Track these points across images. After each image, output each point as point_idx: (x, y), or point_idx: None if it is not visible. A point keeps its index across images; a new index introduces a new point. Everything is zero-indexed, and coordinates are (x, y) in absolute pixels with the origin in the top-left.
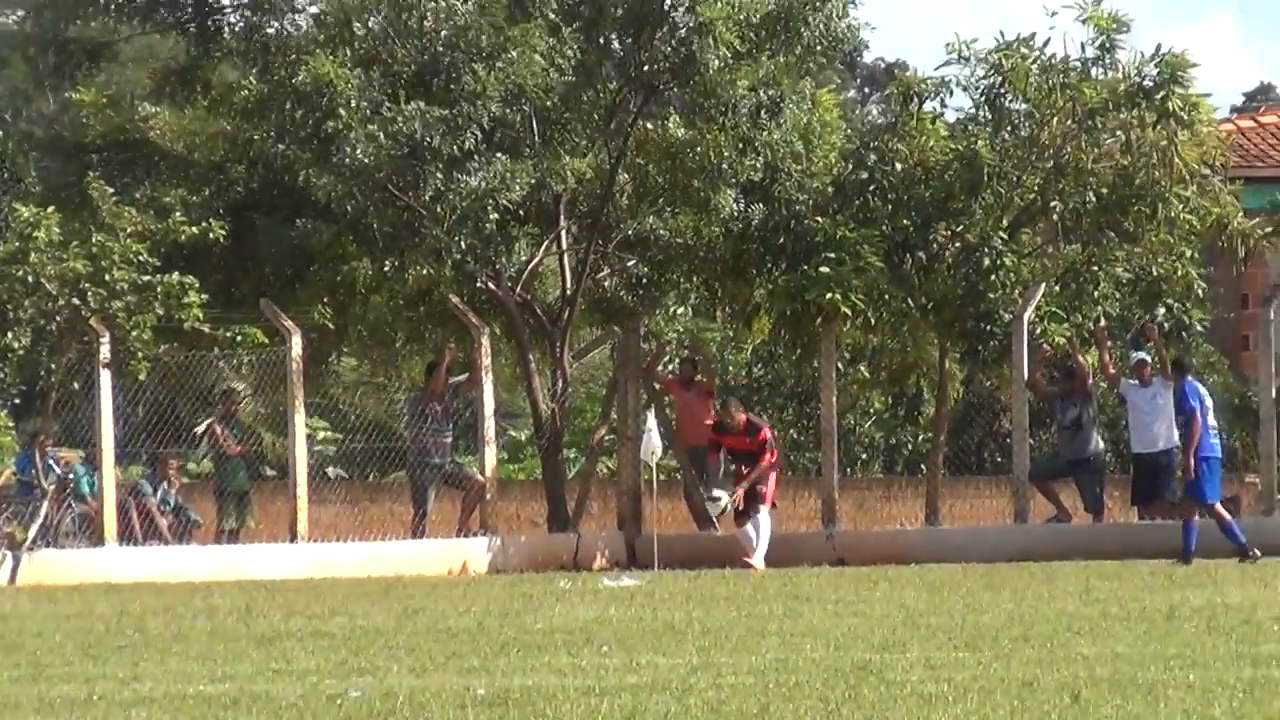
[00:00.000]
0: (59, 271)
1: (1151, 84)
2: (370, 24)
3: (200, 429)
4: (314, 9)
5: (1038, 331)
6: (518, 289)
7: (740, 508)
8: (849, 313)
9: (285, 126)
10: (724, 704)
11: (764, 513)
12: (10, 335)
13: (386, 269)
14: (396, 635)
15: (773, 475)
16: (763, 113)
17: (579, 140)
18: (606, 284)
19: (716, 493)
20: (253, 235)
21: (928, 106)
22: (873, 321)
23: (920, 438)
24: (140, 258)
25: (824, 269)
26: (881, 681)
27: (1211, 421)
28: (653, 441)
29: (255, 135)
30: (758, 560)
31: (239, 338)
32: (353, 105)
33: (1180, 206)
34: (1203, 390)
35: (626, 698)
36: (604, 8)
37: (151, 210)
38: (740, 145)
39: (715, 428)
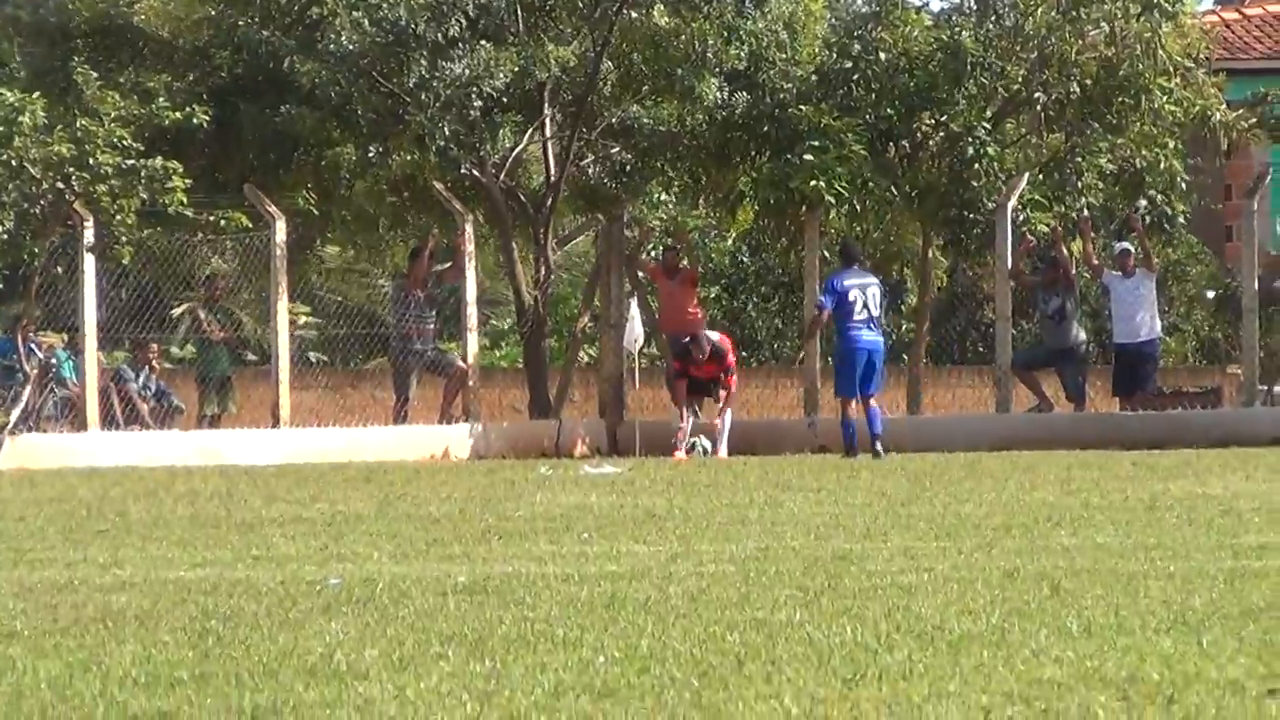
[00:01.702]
0: (43, 155)
1: None
2: None
3: (177, 312)
4: None
5: (1021, 221)
6: (501, 176)
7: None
8: (833, 201)
9: (270, 12)
10: (704, 592)
11: (727, 414)
12: None
13: (371, 155)
14: (377, 522)
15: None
16: (747, 1)
17: (564, 28)
18: (590, 171)
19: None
20: (237, 121)
21: None
22: (857, 210)
23: (903, 327)
24: (124, 142)
25: (808, 157)
26: (862, 571)
27: None
28: (635, 329)
29: (240, 21)
30: (722, 450)
31: (223, 222)
32: None
33: (1164, 98)
34: None
35: (607, 585)
36: None
37: (135, 95)
38: (725, 33)
39: (679, 354)
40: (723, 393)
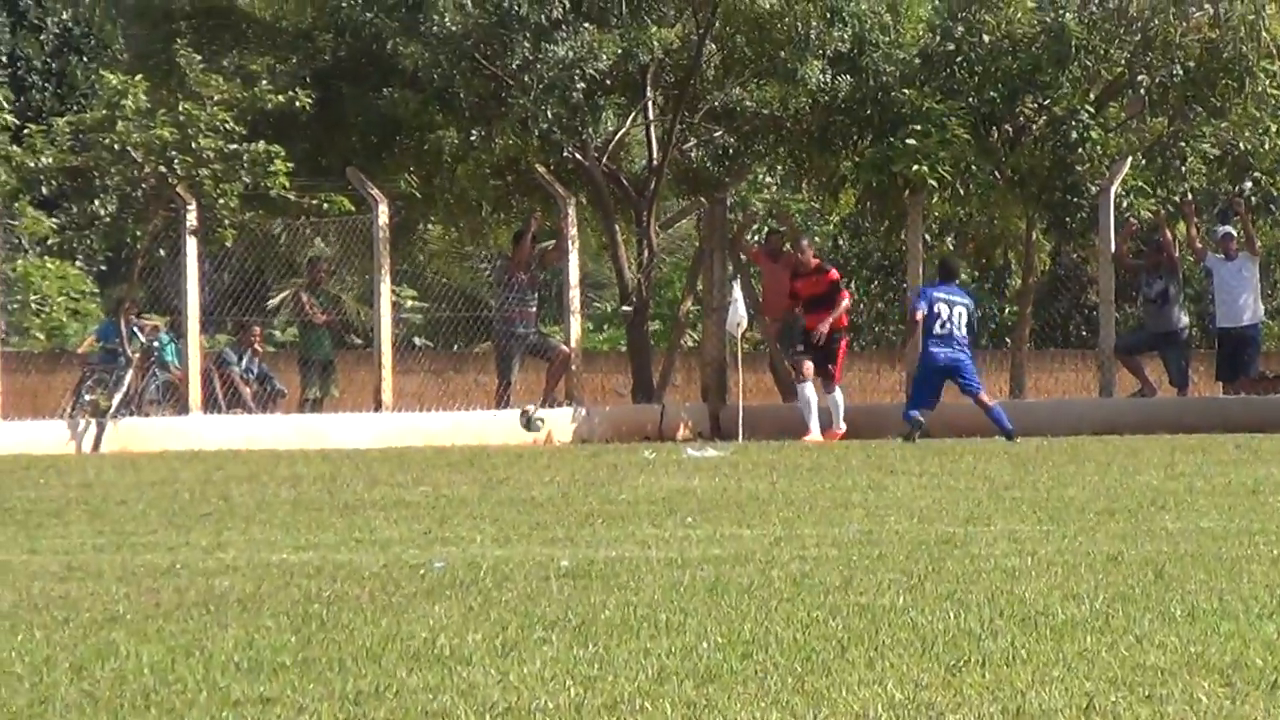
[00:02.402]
0: (146, 139)
1: None
2: None
3: (274, 301)
4: None
5: (1124, 206)
6: (604, 159)
7: (806, 366)
8: (935, 185)
9: None
10: (807, 576)
11: (837, 391)
12: (97, 202)
13: (473, 138)
14: (480, 505)
15: (842, 347)
16: None
17: (666, 10)
18: (693, 154)
19: (537, 412)
20: (340, 104)
21: None
22: (960, 194)
23: (1006, 310)
24: (227, 126)
25: (910, 141)
26: (965, 555)
27: None
28: (738, 312)
29: (343, 3)
30: (831, 428)
31: (325, 206)
32: None
33: (1267, 81)
34: None
35: (710, 569)
36: None
37: (238, 78)
38: (828, 16)
39: (792, 276)
40: (831, 367)
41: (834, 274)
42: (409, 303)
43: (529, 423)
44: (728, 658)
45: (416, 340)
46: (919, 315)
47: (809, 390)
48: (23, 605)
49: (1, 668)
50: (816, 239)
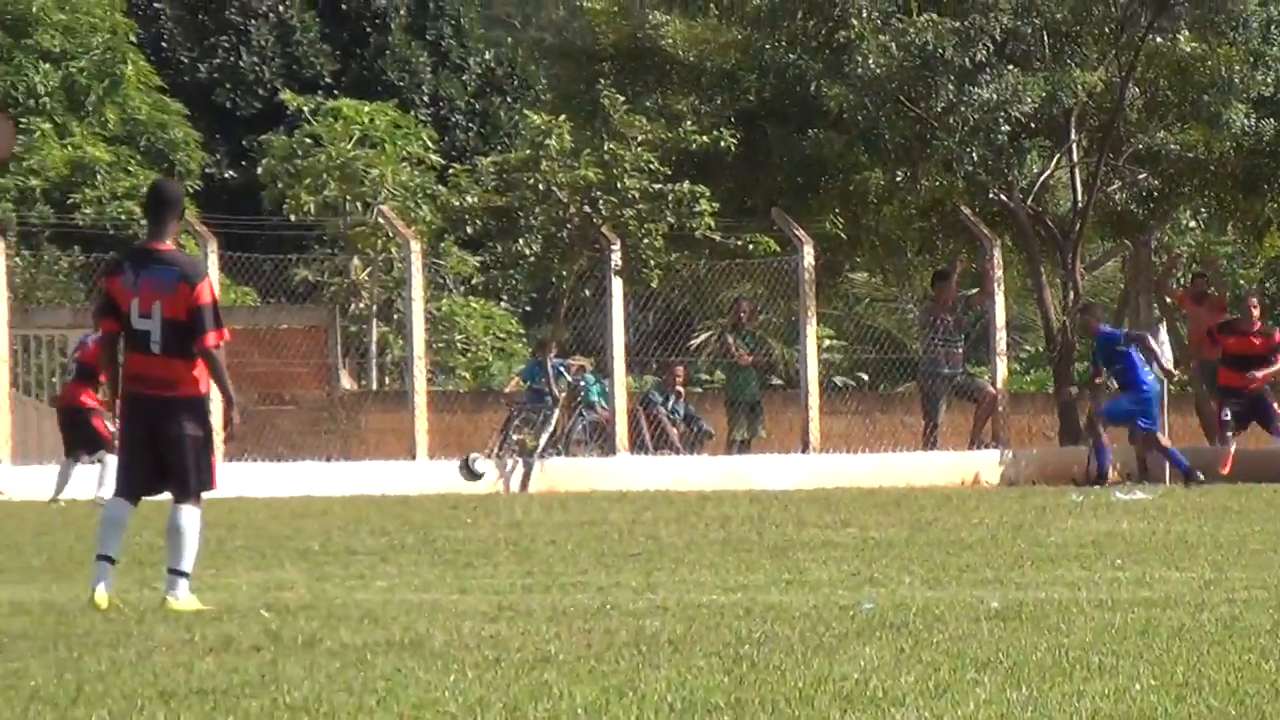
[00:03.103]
0: (570, 179)
1: None
2: None
3: (696, 341)
4: None
5: None
6: (1029, 201)
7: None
8: None
9: (797, 36)
10: (1237, 619)
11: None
12: (521, 242)
13: (898, 180)
14: (908, 547)
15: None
16: (1273, 27)
17: (1089, 53)
18: (1117, 197)
19: (478, 463)
20: (764, 144)
21: None
22: None
23: None
24: (651, 166)
25: None
26: None
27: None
28: (1165, 355)
29: (767, 44)
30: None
31: (750, 246)
32: (865, 15)
33: None
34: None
35: (1140, 612)
36: None
37: (662, 118)
38: (1251, 60)
39: (1222, 327)
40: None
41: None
42: (826, 342)
43: (470, 473)
44: (1161, 700)
45: (837, 380)
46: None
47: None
48: (454, 644)
49: (435, 707)
50: (1241, 282)
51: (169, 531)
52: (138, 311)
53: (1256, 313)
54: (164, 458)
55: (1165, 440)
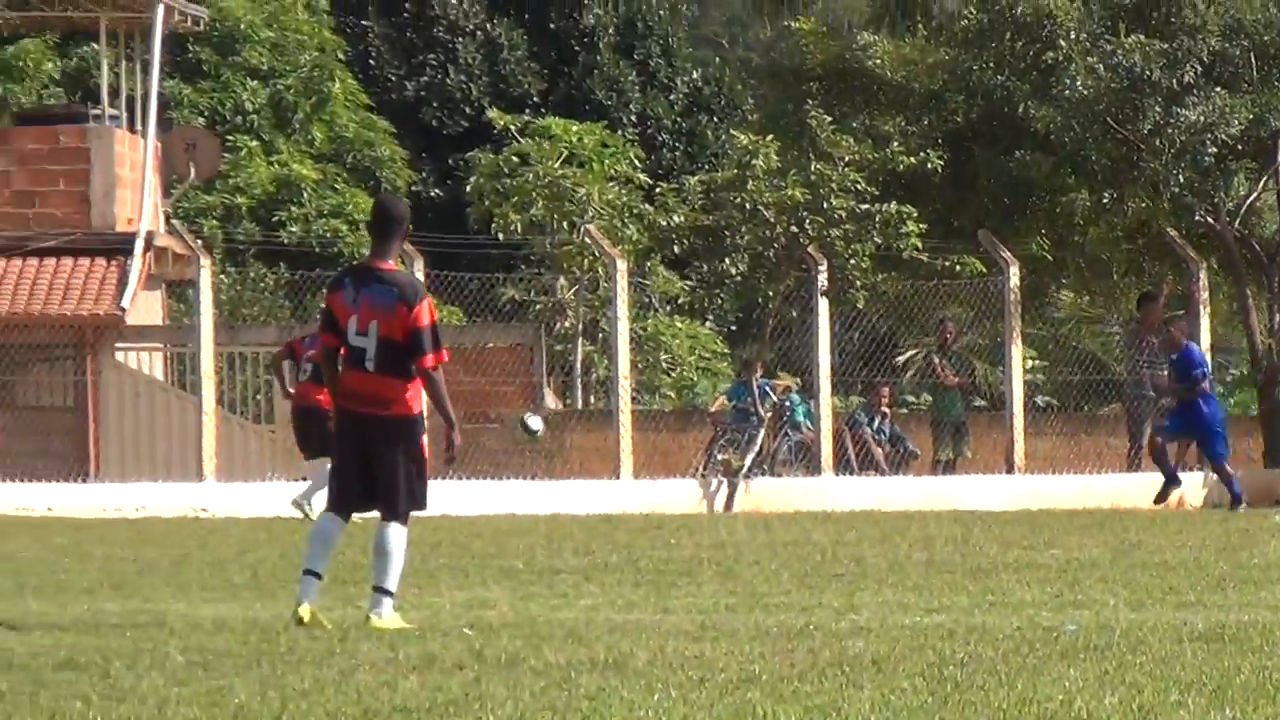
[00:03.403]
0: (777, 199)
1: None
2: None
3: (901, 359)
4: None
5: None
6: (1235, 223)
7: None
8: None
9: (1005, 57)
10: None
11: None
12: (728, 262)
13: (1104, 201)
14: (1112, 569)
15: None
16: None
17: None
18: None
19: (533, 422)
20: (971, 166)
21: None
22: None
23: None
24: (858, 186)
25: None
26: None
27: None
28: None
29: (974, 65)
30: None
31: (957, 268)
32: (1073, 37)
33: None
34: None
35: None
36: None
37: (869, 139)
38: None
39: None
40: None
41: None
42: (1029, 363)
43: (526, 429)
44: None
45: (1039, 400)
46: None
47: None
48: (657, 664)
49: None
50: None
51: (375, 549)
52: (355, 328)
53: None
54: (374, 476)
55: None
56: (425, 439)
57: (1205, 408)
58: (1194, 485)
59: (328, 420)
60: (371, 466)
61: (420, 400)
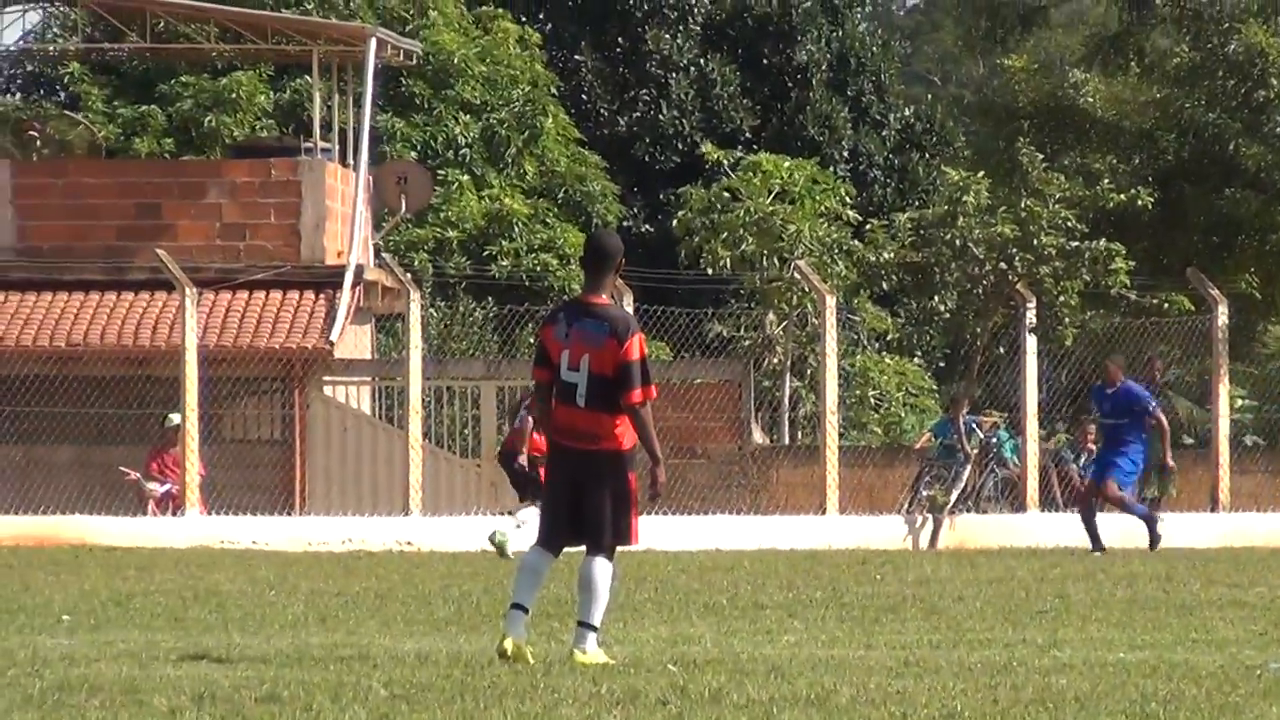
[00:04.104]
0: (987, 235)
1: None
2: None
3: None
4: None
5: None
6: None
7: None
8: None
9: (1216, 95)
10: None
11: None
12: (937, 298)
13: None
14: None
15: None
16: None
17: None
18: None
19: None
20: (1181, 203)
21: None
22: None
23: None
24: (1068, 223)
25: None
26: None
27: None
28: None
29: (1186, 103)
30: None
31: (1165, 305)
32: None
33: None
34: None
35: None
36: None
37: (1080, 177)
38: None
39: None
40: None
41: None
42: (1239, 402)
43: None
44: None
45: (1247, 439)
46: None
47: None
48: (860, 700)
49: None
50: None
51: (580, 584)
52: (567, 364)
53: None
54: (582, 510)
55: None
56: (634, 475)
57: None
58: None
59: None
60: (580, 501)
61: (631, 436)
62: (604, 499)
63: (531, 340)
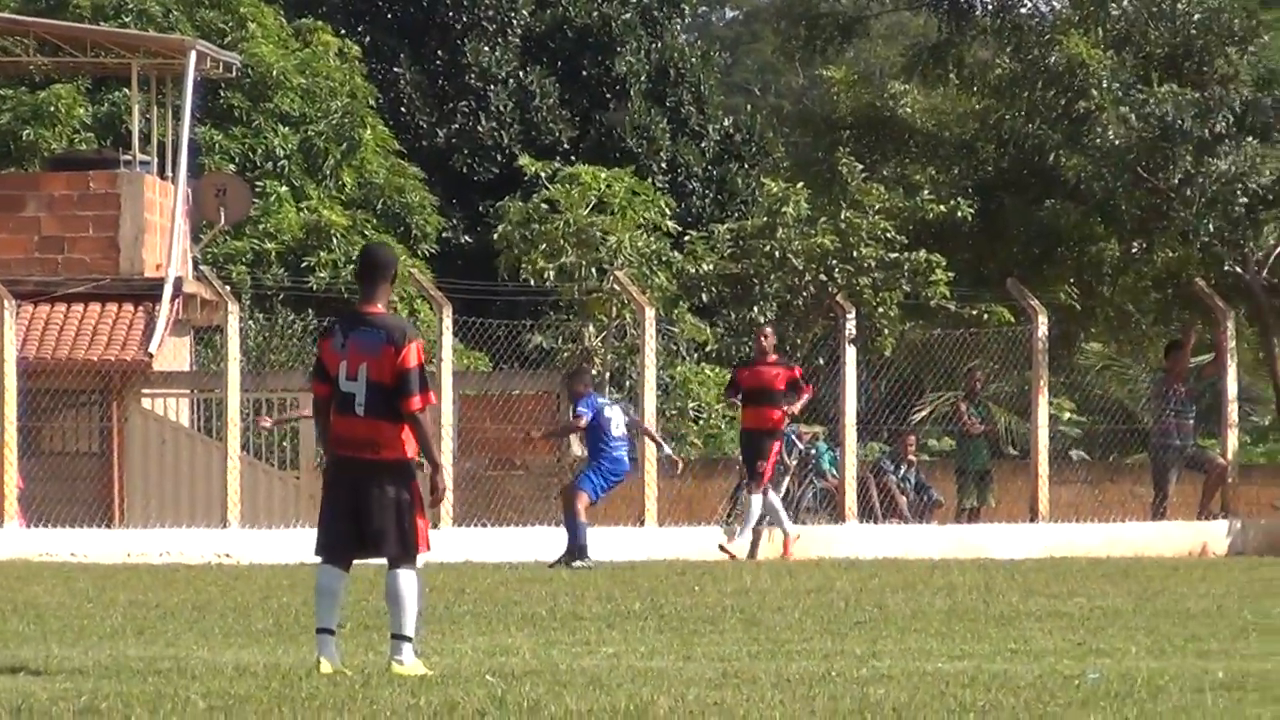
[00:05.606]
0: (806, 247)
1: None
2: (1124, 5)
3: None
4: None
5: None
6: (1264, 273)
7: None
8: None
9: (1036, 106)
10: None
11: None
12: (756, 309)
13: (1134, 251)
14: (1135, 617)
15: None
16: None
17: None
18: None
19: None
20: (1001, 215)
21: None
22: None
23: None
24: (888, 234)
25: None
26: None
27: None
28: None
29: (1006, 114)
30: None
31: (985, 316)
32: (1105, 86)
33: None
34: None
35: None
36: None
37: (900, 187)
38: None
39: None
40: None
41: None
42: (1066, 415)
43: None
44: None
45: (1073, 453)
46: None
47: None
48: (679, 712)
49: None
50: None
51: (388, 597)
52: (345, 374)
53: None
54: (364, 521)
55: None
56: (416, 483)
57: None
58: (1218, 534)
59: None
60: (361, 511)
61: (412, 443)
62: (387, 508)
63: None
